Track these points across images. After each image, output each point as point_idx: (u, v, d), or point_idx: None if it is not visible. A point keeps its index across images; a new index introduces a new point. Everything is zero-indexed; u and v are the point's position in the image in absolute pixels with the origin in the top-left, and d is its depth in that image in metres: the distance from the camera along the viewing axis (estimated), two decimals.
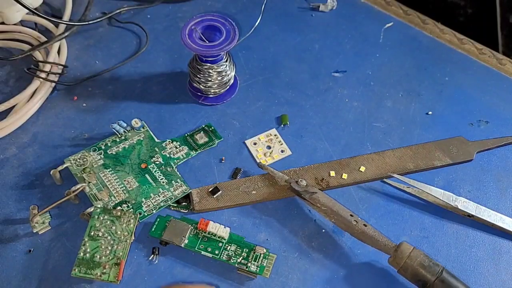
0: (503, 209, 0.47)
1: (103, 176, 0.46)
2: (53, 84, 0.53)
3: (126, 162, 0.48)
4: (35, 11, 0.52)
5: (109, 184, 0.46)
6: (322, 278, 0.43)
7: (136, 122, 0.49)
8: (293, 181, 0.45)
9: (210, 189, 0.47)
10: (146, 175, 0.47)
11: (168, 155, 0.49)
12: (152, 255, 0.43)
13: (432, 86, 0.56)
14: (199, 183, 0.47)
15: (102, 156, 0.48)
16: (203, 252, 0.42)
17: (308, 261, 0.44)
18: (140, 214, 0.44)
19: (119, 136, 0.49)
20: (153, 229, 0.43)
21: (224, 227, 0.43)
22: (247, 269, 0.41)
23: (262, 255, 0.42)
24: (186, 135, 0.50)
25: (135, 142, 0.49)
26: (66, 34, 0.56)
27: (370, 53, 0.59)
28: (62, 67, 0.54)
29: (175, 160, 0.48)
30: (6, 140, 0.50)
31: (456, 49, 0.60)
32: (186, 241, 0.42)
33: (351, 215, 0.43)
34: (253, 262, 0.42)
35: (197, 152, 0.49)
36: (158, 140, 0.50)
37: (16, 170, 0.48)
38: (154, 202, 0.45)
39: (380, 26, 0.61)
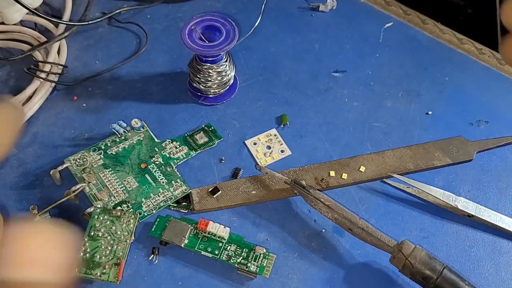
0: (503, 209, 0.47)
1: (103, 176, 0.46)
2: (53, 84, 0.53)
3: (126, 162, 0.48)
4: (35, 11, 0.52)
5: (109, 184, 0.46)
6: (322, 278, 0.43)
7: (136, 122, 0.49)
8: (293, 180, 0.45)
9: (210, 189, 0.47)
10: (146, 175, 0.47)
11: (168, 155, 0.49)
12: (152, 255, 0.43)
13: (432, 86, 0.56)
14: (199, 183, 0.47)
15: (102, 156, 0.48)
16: (203, 252, 0.42)
17: (308, 261, 0.44)
18: (140, 214, 0.44)
19: (119, 136, 0.49)
20: (153, 229, 0.43)
21: (224, 227, 0.43)
22: (247, 269, 0.41)
23: (262, 255, 0.42)
24: (186, 135, 0.50)
25: (135, 142, 0.49)
26: (66, 34, 0.56)
27: (370, 53, 0.59)
28: (62, 67, 0.54)
29: (175, 160, 0.48)
30: None
31: (456, 49, 0.60)
32: (186, 241, 0.42)
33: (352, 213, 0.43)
34: (253, 262, 0.42)
35: (197, 152, 0.49)
36: (158, 140, 0.50)
37: (16, 170, 0.48)
38: (154, 202, 0.45)
39: (380, 26, 0.61)
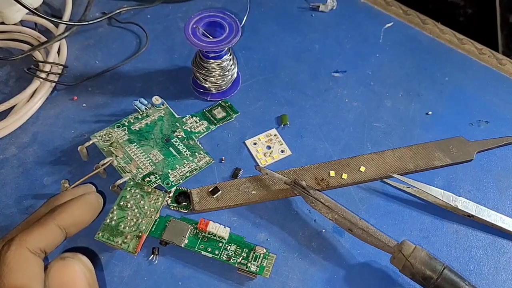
0: (503, 209, 0.47)
1: (129, 150, 0.48)
2: (53, 84, 0.53)
3: (150, 137, 0.49)
4: (35, 11, 0.52)
5: (135, 158, 0.47)
6: (322, 278, 0.43)
7: (156, 99, 0.51)
8: (293, 180, 0.45)
9: (210, 189, 0.47)
10: (170, 148, 0.49)
11: (189, 130, 0.50)
12: (152, 255, 0.43)
13: (432, 86, 0.56)
14: (199, 183, 0.47)
15: (126, 132, 0.49)
16: (203, 252, 0.42)
17: (308, 261, 0.44)
18: (168, 184, 0.46)
19: (141, 113, 0.50)
20: (152, 229, 0.43)
21: (224, 227, 0.43)
22: (247, 269, 0.41)
23: (262, 255, 0.42)
24: (204, 110, 0.52)
25: (156, 118, 0.51)
26: (66, 34, 0.56)
27: (370, 53, 0.59)
28: (62, 67, 0.54)
29: (196, 134, 0.50)
30: (6, 140, 0.50)
31: (456, 49, 0.60)
32: (186, 241, 0.42)
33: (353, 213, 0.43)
34: (253, 262, 0.42)
35: (216, 126, 0.51)
36: (178, 116, 0.51)
37: (16, 170, 0.48)
38: (180, 172, 0.47)
39: (380, 26, 0.61)
